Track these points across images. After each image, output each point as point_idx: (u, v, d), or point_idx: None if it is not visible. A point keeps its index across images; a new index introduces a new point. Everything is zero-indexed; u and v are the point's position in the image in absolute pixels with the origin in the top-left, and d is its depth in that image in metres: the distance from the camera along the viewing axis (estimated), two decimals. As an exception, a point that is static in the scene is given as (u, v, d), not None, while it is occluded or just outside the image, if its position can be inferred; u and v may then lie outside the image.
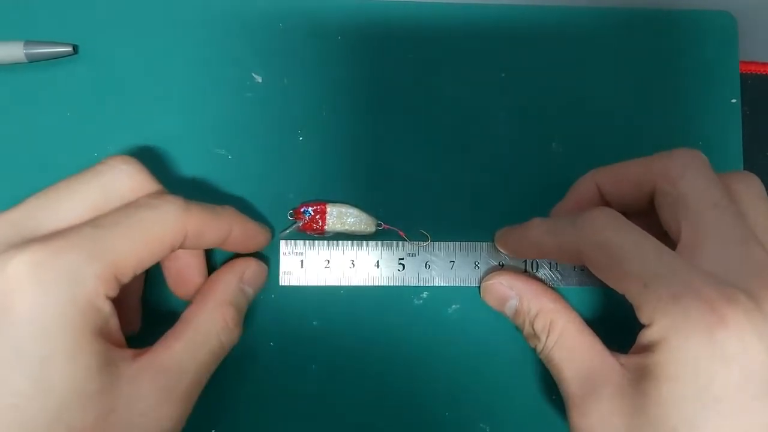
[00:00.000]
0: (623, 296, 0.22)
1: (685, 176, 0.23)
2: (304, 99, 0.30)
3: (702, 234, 0.22)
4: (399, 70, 0.31)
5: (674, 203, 0.23)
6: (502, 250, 0.29)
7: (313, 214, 0.28)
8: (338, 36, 0.31)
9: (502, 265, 0.29)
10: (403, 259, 0.29)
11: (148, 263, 0.21)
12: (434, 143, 0.30)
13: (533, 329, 0.26)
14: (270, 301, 0.28)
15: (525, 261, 0.29)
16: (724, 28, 0.31)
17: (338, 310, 0.29)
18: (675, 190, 0.23)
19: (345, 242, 0.29)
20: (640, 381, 0.21)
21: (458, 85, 0.31)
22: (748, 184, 0.24)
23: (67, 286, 0.19)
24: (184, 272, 0.26)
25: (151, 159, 0.29)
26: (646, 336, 0.21)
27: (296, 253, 0.29)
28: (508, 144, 0.30)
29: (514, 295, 0.27)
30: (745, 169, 0.31)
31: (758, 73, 0.32)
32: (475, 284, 0.29)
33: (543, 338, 0.25)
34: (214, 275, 0.26)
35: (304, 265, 0.29)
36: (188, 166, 0.29)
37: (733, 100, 0.31)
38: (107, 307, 0.20)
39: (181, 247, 0.23)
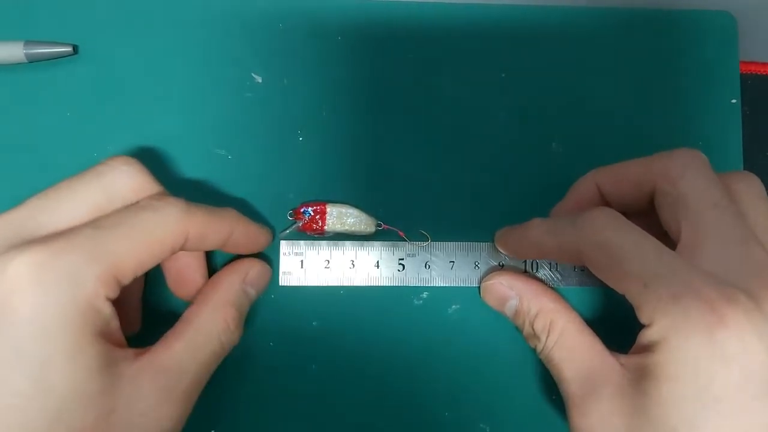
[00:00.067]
0: (623, 296, 0.22)
1: (685, 176, 0.23)
2: (304, 99, 0.30)
3: (702, 234, 0.22)
4: (399, 70, 0.31)
5: (674, 203, 0.23)
6: (502, 251, 0.28)
7: (313, 214, 0.28)
8: (338, 36, 0.31)
9: (502, 265, 0.29)
10: (403, 259, 0.29)
11: (148, 265, 0.21)
12: (434, 143, 0.30)
13: (533, 329, 0.26)
14: (270, 301, 0.28)
15: (525, 261, 0.29)
16: (724, 28, 0.31)
17: (338, 311, 0.29)
18: (675, 190, 0.23)
19: (345, 242, 0.29)
20: (640, 381, 0.21)
21: (458, 85, 0.31)
22: (748, 184, 0.24)
23: (67, 287, 0.19)
24: (185, 273, 0.26)
25: (150, 159, 0.29)
26: (646, 336, 0.21)
27: (296, 254, 0.29)
28: (508, 144, 0.30)
29: (514, 295, 0.27)
30: (745, 169, 0.31)
31: (758, 73, 0.32)
32: (475, 284, 0.29)
33: (543, 338, 0.25)
34: (216, 275, 0.26)
35: (304, 266, 0.29)
36: (188, 166, 0.29)
37: (733, 100, 0.31)
38: (107, 308, 0.20)
39: (182, 249, 0.23)
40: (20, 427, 0.18)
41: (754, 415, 0.19)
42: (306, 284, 0.29)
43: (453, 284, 0.29)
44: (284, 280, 0.28)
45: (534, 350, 0.26)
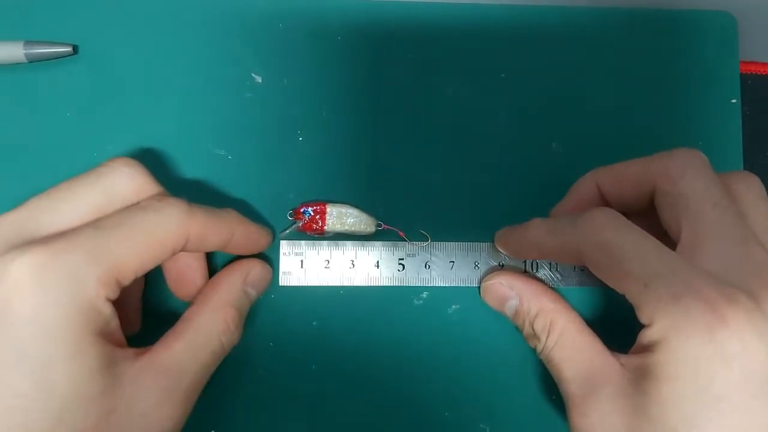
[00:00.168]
0: (623, 296, 0.22)
1: (685, 176, 0.23)
2: (304, 99, 0.30)
3: (702, 234, 0.22)
4: (399, 70, 0.31)
5: (674, 203, 0.23)
6: (502, 251, 0.28)
7: (313, 214, 0.28)
8: (338, 36, 0.31)
9: (502, 265, 0.29)
10: (403, 259, 0.29)
11: (149, 266, 0.21)
12: (434, 143, 0.30)
13: (533, 329, 0.26)
14: (270, 301, 0.28)
15: (525, 261, 0.29)
16: (724, 28, 0.31)
17: (338, 311, 0.29)
18: (675, 190, 0.23)
19: (345, 242, 0.29)
20: (641, 381, 0.21)
21: (458, 85, 0.31)
22: (748, 184, 0.24)
23: (68, 288, 0.19)
24: (185, 273, 0.26)
25: (150, 159, 0.29)
26: (646, 336, 0.21)
27: (296, 254, 0.29)
28: (508, 144, 0.30)
29: (514, 295, 0.27)
30: (745, 169, 0.31)
31: (758, 73, 0.32)
32: (475, 284, 0.29)
33: (543, 338, 0.25)
34: (217, 276, 0.26)
35: (304, 265, 0.29)
36: (188, 166, 0.29)
37: (733, 100, 0.31)
38: (108, 309, 0.20)
39: (183, 250, 0.23)
40: (21, 427, 0.18)
41: (754, 415, 0.19)
42: (306, 284, 0.29)
43: (453, 284, 0.29)
44: (284, 280, 0.28)
45: (534, 350, 0.26)
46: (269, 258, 0.29)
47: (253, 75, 0.30)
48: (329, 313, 0.29)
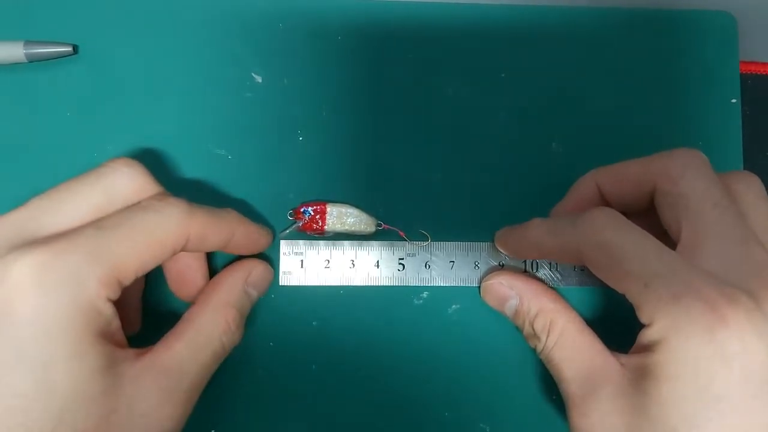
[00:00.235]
0: (623, 296, 0.22)
1: (685, 176, 0.23)
2: (304, 99, 0.30)
3: (702, 234, 0.22)
4: (399, 70, 0.31)
5: (674, 203, 0.23)
6: (502, 251, 0.29)
7: (313, 214, 0.28)
8: (338, 36, 0.31)
9: (502, 265, 0.29)
10: (403, 259, 0.29)
11: (150, 266, 0.21)
12: (434, 143, 0.30)
13: (533, 329, 0.26)
14: (270, 301, 0.28)
15: (525, 261, 0.29)
16: (724, 28, 0.31)
17: (338, 310, 0.29)
18: (675, 190, 0.23)
19: (345, 242, 0.29)
20: (641, 381, 0.21)
21: (458, 85, 0.31)
22: (748, 184, 0.24)
23: (69, 288, 0.19)
24: (185, 273, 0.26)
25: (150, 159, 0.29)
26: (646, 336, 0.21)
27: (296, 253, 0.29)
28: (508, 144, 0.30)
29: (514, 295, 0.27)
30: (745, 169, 0.31)
31: (758, 73, 0.32)
32: (475, 284, 0.29)
33: (543, 338, 0.25)
34: (218, 276, 0.26)
35: (304, 265, 0.29)
36: (188, 166, 0.29)
37: (733, 100, 0.31)
38: (109, 309, 0.20)
39: (183, 250, 0.23)
40: (22, 427, 0.18)
41: (754, 415, 0.19)
42: (306, 284, 0.29)
43: (453, 284, 0.29)
44: (284, 280, 0.28)
45: (534, 350, 0.26)
46: (269, 258, 0.29)
47: (253, 75, 0.30)
48: (329, 313, 0.29)
